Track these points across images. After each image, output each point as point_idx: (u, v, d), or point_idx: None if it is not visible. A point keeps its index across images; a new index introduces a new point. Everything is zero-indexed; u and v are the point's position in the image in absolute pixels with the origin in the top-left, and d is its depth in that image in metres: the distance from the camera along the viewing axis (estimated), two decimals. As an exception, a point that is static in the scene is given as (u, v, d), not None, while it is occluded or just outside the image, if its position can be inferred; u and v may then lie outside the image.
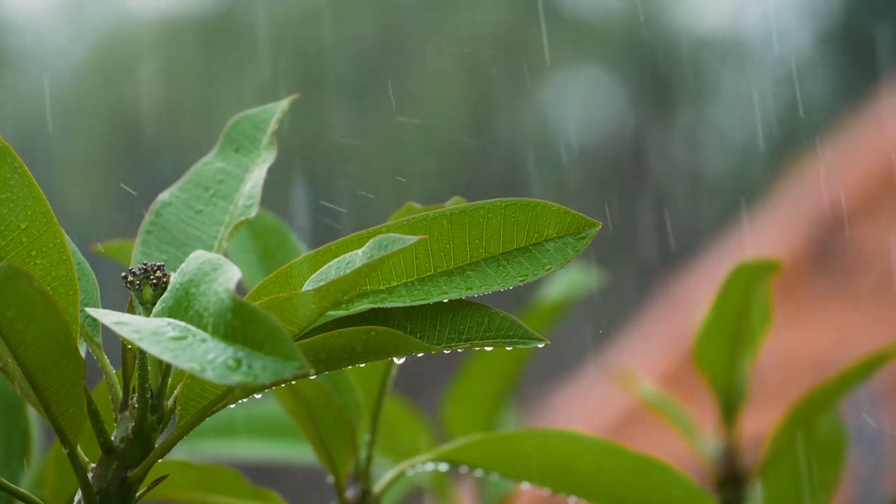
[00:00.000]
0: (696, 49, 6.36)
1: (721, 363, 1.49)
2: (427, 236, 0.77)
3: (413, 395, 1.65)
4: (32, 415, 1.11)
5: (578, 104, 6.41)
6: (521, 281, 0.80)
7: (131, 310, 0.82)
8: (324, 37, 6.18)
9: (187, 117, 5.93)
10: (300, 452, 1.47)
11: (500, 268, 0.80)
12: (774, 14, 6.04)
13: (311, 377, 0.83)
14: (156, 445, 0.80)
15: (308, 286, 0.77)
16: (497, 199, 0.80)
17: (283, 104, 0.93)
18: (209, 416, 0.78)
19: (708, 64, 6.37)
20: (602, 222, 0.81)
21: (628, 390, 1.71)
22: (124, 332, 0.70)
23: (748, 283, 1.43)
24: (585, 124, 6.43)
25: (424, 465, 1.03)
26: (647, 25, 6.20)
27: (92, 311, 0.76)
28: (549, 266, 0.80)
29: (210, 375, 0.66)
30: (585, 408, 3.42)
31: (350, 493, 1.07)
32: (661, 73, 6.13)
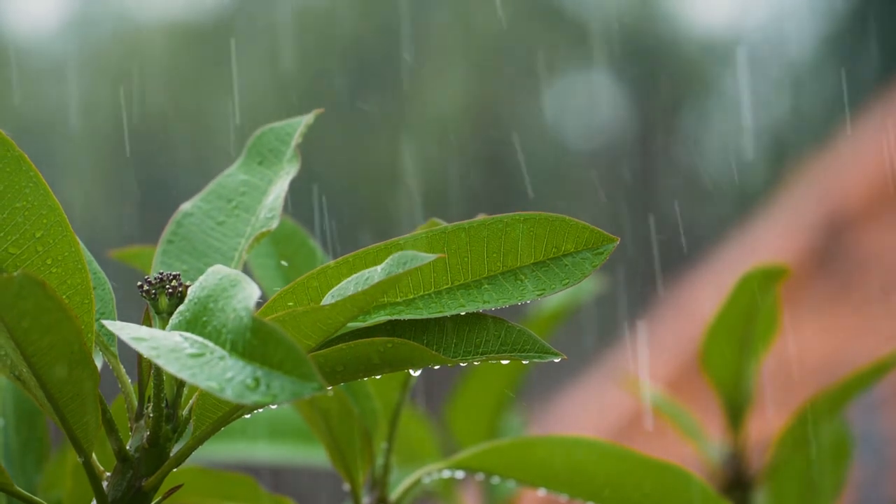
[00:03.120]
0: (699, 53, 6.36)
1: (727, 367, 1.49)
2: (445, 254, 0.77)
3: (416, 397, 1.65)
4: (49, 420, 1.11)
5: (581, 108, 6.41)
6: (539, 295, 0.79)
7: (147, 319, 0.81)
8: (324, 41, 6.18)
9: (191, 122, 5.93)
10: (309, 454, 1.47)
11: (518, 282, 0.80)
12: (777, 17, 6.04)
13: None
14: (171, 455, 0.80)
15: (326, 300, 0.77)
16: (516, 213, 0.79)
17: (308, 118, 0.92)
18: (224, 426, 0.78)
19: (711, 68, 6.36)
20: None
21: (634, 394, 1.71)
22: (142, 348, 0.70)
23: (757, 288, 1.43)
24: (588, 129, 6.43)
25: (441, 473, 1.03)
26: (649, 29, 6.20)
27: (109, 325, 0.76)
28: (567, 281, 0.79)
29: (229, 395, 0.66)
30: (591, 411, 3.42)
31: (366, 501, 1.07)
32: (664, 78, 6.13)
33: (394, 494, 1.08)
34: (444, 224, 0.81)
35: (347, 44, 6.06)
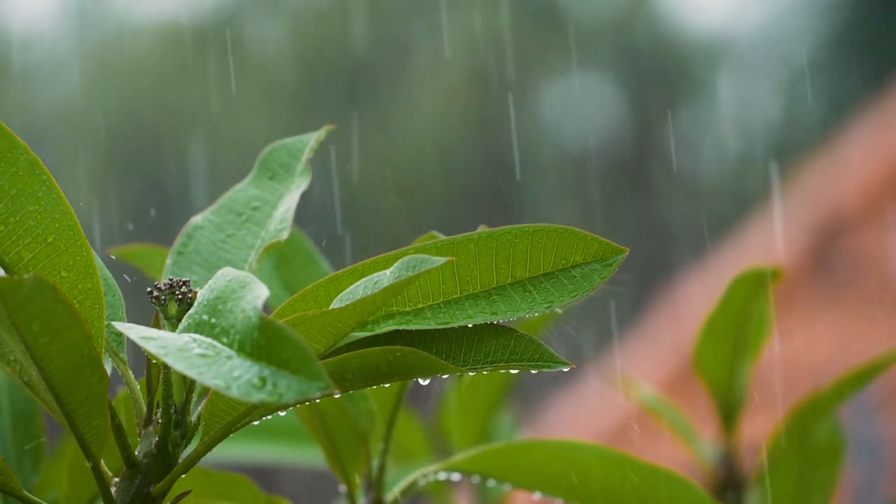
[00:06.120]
0: (697, 54, 6.36)
1: (721, 369, 1.50)
2: (454, 259, 0.77)
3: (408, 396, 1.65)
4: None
5: (577, 109, 6.40)
6: (547, 307, 0.79)
7: (156, 325, 0.82)
8: (321, 44, 6.17)
9: (187, 124, 5.93)
10: (300, 454, 1.47)
11: (527, 293, 0.80)
12: (775, 18, 6.04)
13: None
14: (179, 461, 0.80)
15: (335, 305, 0.77)
16: (525, 225, 0.80)
17: (320, 133, 0.93)
18: (233, 432, 0.78)
19: (708, 69, 6.36)
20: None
21: (628, 395, 1.72)
22: (151, 347, 0.70)
23: (750, 290, 1.44)
24: (584, 130, 6.43)
25: (437, 475, 1.03)
26: (646, 30, 6.20)
27: (118, 325, 0.76)
28: (576, 292, 0.80)
29: (235, 393, 0.66)
30: (585, 412, 3.42)
31: (363, 502, 1.07)
32: (661, 79, 6.13)
33: (390, 495, 1.08)
34: (441, 237, 0.81)
35: (342, 47, 6.06)
